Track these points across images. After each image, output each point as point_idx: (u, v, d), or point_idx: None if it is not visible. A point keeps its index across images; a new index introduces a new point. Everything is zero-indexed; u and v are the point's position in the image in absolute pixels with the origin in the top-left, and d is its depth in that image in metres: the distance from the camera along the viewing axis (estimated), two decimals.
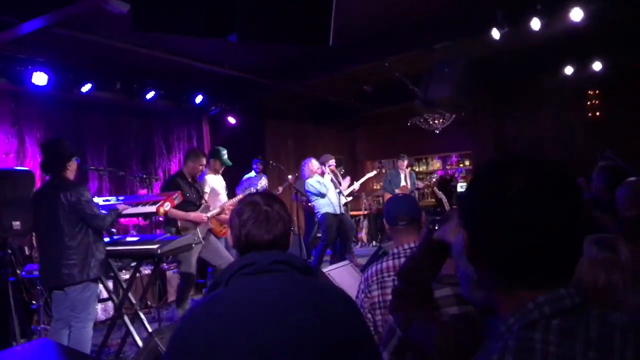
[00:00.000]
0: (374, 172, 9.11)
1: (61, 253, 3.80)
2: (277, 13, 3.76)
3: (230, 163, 6.25)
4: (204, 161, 5.71)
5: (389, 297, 2.41)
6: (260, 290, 1.50)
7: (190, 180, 5.54)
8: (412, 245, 2.52)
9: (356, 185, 8.44)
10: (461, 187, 12.04)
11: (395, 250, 2.56)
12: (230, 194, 6.51)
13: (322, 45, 3.93)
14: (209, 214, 5.54)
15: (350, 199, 8.43)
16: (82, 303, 3.86)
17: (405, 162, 9.44)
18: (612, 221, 3.05)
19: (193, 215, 5.29)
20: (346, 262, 5.47)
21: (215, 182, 6.15)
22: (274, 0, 3.73)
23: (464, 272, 1.50)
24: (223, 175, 6.44)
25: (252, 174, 7.98)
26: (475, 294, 1.49)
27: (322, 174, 7.37)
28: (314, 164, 7.37)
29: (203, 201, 5.65)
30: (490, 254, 0.90)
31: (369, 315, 2.50)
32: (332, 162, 7.87)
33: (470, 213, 0.93)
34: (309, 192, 7.29)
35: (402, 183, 9.24)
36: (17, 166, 6.56)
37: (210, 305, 1.51)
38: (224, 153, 6.23)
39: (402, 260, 2.48)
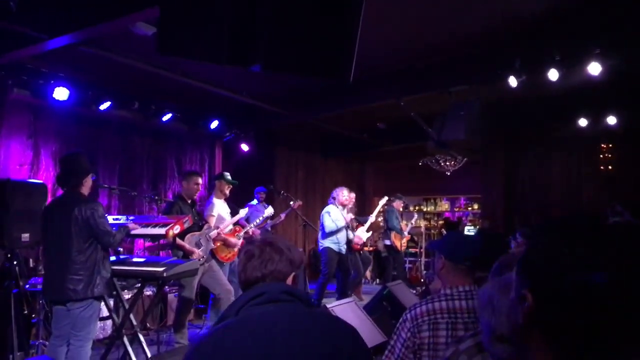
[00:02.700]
0: (385, 198, 9.05)
1: (68, 267, 3.79)
2: (301, 46, 3.82)
3: (235, 182, 6.27)
4: (199, 180, 5.74)
5: (441, 340, 2.38)
6: (270, 319, 1.53)
7: (189, 202, 5.58)
8: (468, 288, 2.45)
9: (372, 218, 8.45)
10: (469, 230, 11.99)
11: (449, 292, 2.47)
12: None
13: (342, 80, 3.98)
14: (211, 233, 5.57)
15: (370, 233, 8.41)
16: (83, 321, 3.82)
17: (402, 204, 9.47)
18: None
19: (189, 249, 5.29)
20: (350, 299, 5.42)
21: (221, 208, 6.15)
22: (298, 33, 3.79)
23: (487, 323, 1.49)
24: (234, 201, 6.47)
25: (255, 202, 8.01)
26: (496, 347, 1.48)
27: (344, 206, 7.39)
28: (344, 194, 7.41)
29: (205, 223, 5.68)
30: (562, 329, 0.83)
31: (411, 355, 2.45)
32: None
33: (552, 290, 0.84)
34: (323, 218, 7.28)
35: (402, 222, 9.30)
36: (30, 178, 6.60)
37: (221, 333, 1.53)
38: (227, 174, 6.29)
39: (457, 302, 2.44)
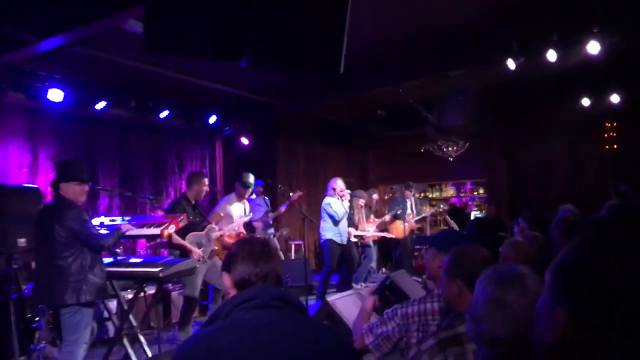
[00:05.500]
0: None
1: (54, 274, 3.79)
2: (288, 40, 3.76)
3: (250, 185, 6.37)
4: (207, 182, 5.77)
5: (430, 342, 2.37)
6: (260, 326, 1.51)
7: (193, 203, 5.57)
8: None
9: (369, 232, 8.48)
10: (474, 215, 11.91)
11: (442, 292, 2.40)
12: None
13: (333, 72, 3.93)
14: (213, 234, 5.55)
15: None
16: (72, 327, 3.83)
17: (412, 192, 9.37)
18: None
19: (190, 248, 5.27)
20: (351, 291, 5.39)
21: (232, 209, 6.19)
22: (285, 27, 3.74)
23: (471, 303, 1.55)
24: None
25: (253, 196, 7.99)
26: (469, 324, 1.56)
27: (342, 197, 7.33)
28: (339, 184, 7.36)
29: (209, 223, 5.66)
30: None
31: (389, 345, 2.51)
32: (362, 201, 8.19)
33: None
34: (325, 210, 7.25)
35: (408, 211, 9.17)
36: (29, 181, 6.60)
37: (210, 338, 1.51)
38: (246, 176, 6.38)
39: None
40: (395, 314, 2.56)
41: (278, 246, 8.84)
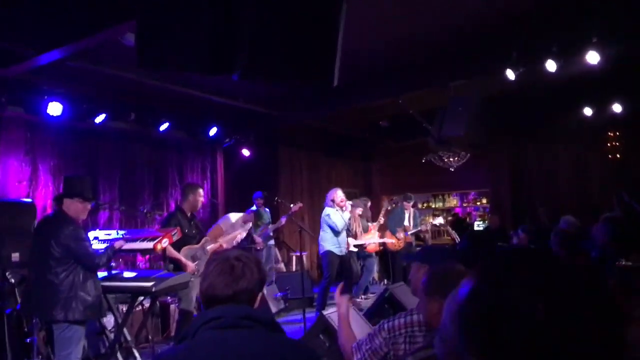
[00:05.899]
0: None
1: (45, 288, 3.78)
2: (280, 53, 3.75)
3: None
4: (202, 193, 5.75)
5: None
6: (226, 346, 1.49)
7: (189, 215, 5.54)
8: None
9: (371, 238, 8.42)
10: (478, 225, 11.82)
11: None
12: None
13: (326, 85, 3.91)
14: (208, 247, 5.52)
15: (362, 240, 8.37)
16: (63, 342, 3.81)
17: (412, 203, 9.27)
18: None
19: (184, 262, 5.24)
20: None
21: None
22: (276, 40, 3.73)
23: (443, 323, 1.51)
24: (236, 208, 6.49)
25: (254, 208, 7.97)
26: (437, 344, 1.50)
27: (343, 208, 7.24)
28: (338, 194, 7.28)
29: (203, 236, 5.65)
30: None
31: None
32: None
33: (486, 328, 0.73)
34: (324, 221, 7.18)
35: (405, 223, 9.04)
36: (29, 194, 6.62)
37: (176, 357, 1.51)
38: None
39: None
40: (382, 328, 2.57)
41: (279, 257, 8.81)
